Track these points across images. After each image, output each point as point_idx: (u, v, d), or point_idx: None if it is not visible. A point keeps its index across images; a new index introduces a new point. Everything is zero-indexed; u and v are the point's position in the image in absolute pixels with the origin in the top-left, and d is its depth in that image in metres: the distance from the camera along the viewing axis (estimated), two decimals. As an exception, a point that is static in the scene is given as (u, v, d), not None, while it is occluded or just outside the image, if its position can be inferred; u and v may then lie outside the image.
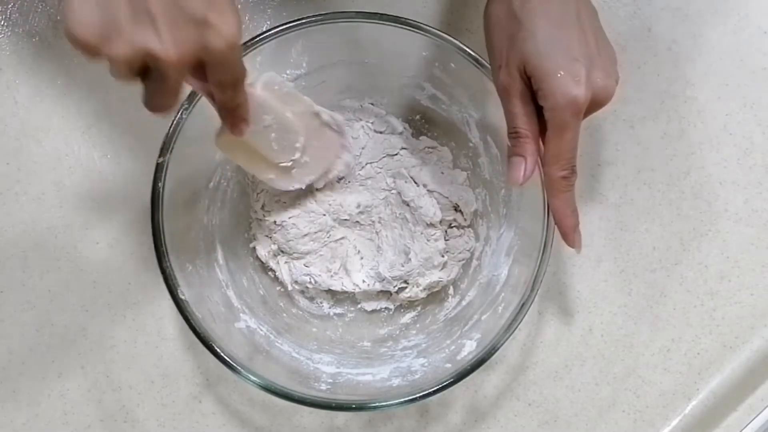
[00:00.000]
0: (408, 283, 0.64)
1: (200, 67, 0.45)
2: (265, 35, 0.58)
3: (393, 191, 0.65)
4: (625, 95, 0.70)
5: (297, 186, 0.62)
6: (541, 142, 0.54)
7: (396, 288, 0.65)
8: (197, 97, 0.57)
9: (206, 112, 0.58)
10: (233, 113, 0.51)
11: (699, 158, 0.69)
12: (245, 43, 0.58)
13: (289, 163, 0.60)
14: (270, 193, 0.64)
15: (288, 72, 0.63)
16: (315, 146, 0.61)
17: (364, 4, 0.70)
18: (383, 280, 0.64)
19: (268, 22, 0.68)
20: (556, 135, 0.52)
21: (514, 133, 0.54)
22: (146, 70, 0.44)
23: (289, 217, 0.64)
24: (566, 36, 0.52)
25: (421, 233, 0.64)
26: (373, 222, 0.65)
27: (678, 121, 0.70)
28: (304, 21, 0.59)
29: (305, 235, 0.64)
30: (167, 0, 0.41)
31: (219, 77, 0.46)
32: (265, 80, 0.56)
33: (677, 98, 0.70)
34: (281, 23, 0.59)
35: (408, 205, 0.64)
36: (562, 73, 0.51)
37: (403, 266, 0.64)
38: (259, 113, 0.55)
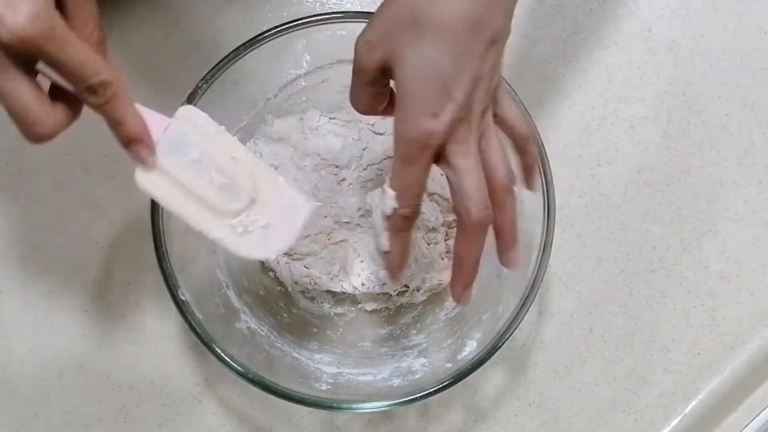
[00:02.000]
0: (408, 287, 0.64)
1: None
2: (265, 35, 0.58)
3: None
4: (625, 95, 0.70)
5: (260, 254, 0.51)
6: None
7: (396, 292, 0.65)
8: (197, 98, 0.57)
9: (206, 112, 0.58)
10: (122, 131, 0.46)
11: (699, 158, 0.69)
12: (245, 43, 0.58)
13: (241, 217, 0.49)
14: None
15: (288, 72, 0.63)
16: (271, 201, 0.50)
17: (364, 3, 0.70)
18: (383, 284, 0.64)
19: (269, 22, 0.68)
20: (401, 168, 0.48)
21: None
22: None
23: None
24: (454, 67, 0.46)
25: (422, 237, 0.64)
26: (374, 225, 0.65)
27: (678, 121, 0.70)
28: (304, 21, 0.59)
29: (306, 236, 0.64)
30: None
31: (62, 75, 0.43)
32: (182, 113, 0.48)
33: (677, 98, 0.70)
34: (281, 23, 0.59)
35: None
36: (419, 102, 0.46)
37: (403, 270, 0.64)
38: (178, 144, 0.47)
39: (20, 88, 0.42)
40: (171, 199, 0.48)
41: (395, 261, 0.51)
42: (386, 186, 0.49)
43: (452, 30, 0.46)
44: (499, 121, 0.52)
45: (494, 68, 0.48)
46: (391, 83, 0.49)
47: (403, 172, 0.48)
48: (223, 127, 0.49)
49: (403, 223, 0.49)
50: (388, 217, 0.49)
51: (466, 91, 0.47)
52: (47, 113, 0.44)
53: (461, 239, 0.50)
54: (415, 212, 0.49)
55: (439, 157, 0.48)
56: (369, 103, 0.51)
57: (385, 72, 0.48)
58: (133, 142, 0.47)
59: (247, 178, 0.49)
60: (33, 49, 0.40)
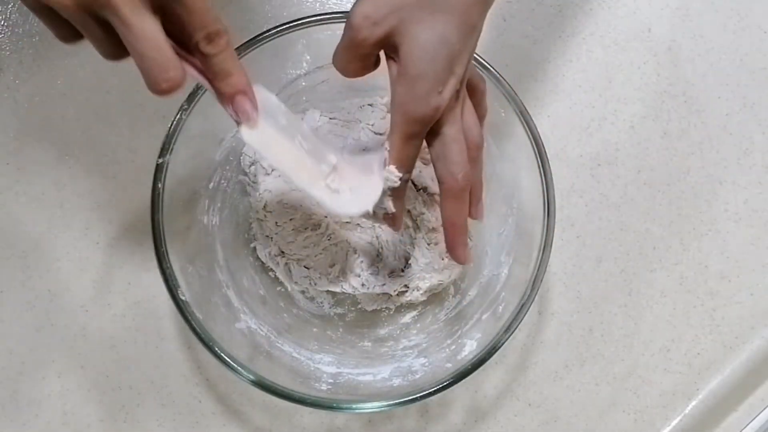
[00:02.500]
0: (408, 287, 0.64)
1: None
2: (265, 35, 0.58)
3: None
4: (625, 95, 0.70)
5: (356, 210, 0.53)
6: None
7: (396, 292, 0.65)
8: (197, 98, 0.57)
9: (206, 111, 0.58)
10: (227, 83, 0.45)
11: (699, 158, 0.69)
12: (245, 43, 0.58)
13: (330, 178, 0.52)
14: (272, 194, 0.64)
15: (288, 72, 0.63)
16: (347, 167, 0.54)
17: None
18: (383, 284, 0.64)
19: (269, 22, 0.68)
20: (402, 142, 0.50)
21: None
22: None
23: (290, 219, 0.64)
24: (462, 44, 0.47)
25: (422, 238, 0.64)
26: (374, 226, 0.65)
27: (678, 121, 0.70)
28: (304, 21, 0.59)
29: (306, 237, 0.64)
30: None
31: (182, 26, 0.42)
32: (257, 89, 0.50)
33: (677, 98, 0.70)
34: (281, 23, 0.59)
35: (409, 211, 0.64)
36: (429, 81, 0.47)
37: (403, 271, 0.64)
38: (268, 109, 0.49)
39: (155, 31, 0.41)
40: (276, 156, 0.49)
41: (397, 216, 0.55)
42: (390, 167, 0.51)
43: (465, 6, 0.46)
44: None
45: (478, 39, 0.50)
46: (381, 55, 0.50)
47: (407, 147, 0.50)
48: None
49: (402, 185, 0.52)
50: (392, 188, 0.52)
51: (464, 65, 0.48)
52: (176, 60, 0.43)
53: (449, 203, 0.52)
54: (410, 173, 0.52)
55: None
56: (358, 71, 0.51)
57: (383, 46, 0.48)
58: (239, 94, 0.46)
59: (323, 147, 0.52)
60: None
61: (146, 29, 0.41)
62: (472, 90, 0.53)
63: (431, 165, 0.65)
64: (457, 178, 0.50)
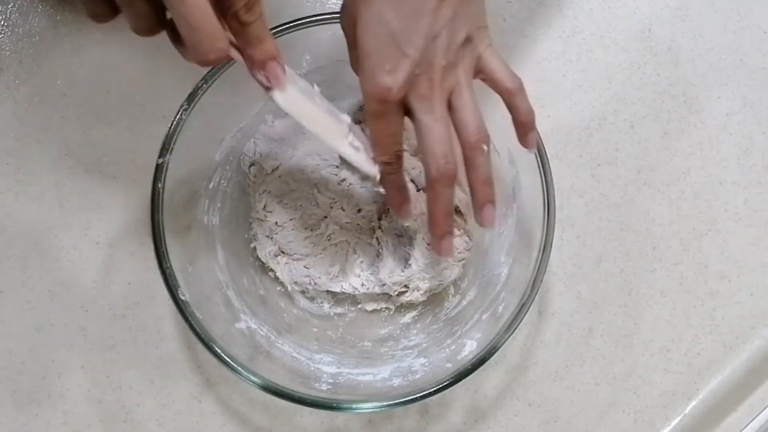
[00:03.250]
0: (408, 288, 0.64)
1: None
2: (265, 35, 0.58)
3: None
4: (625, 95, 0.70)
5: (375, 170, 0.55)
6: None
7: (396, 292, 0.65)
8: (197, 98, 0.57)
9: (206, 111, 0.58)
10: (259, 50, 0.47)
11: (699, 158, 0.69)
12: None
13: (350, 137, 0.55)
14: (272, 194, 0.64)
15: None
16: (359, 131, 0.57)
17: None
18: (383, 285, 0.64)
19: (269, 22, 0.68)
20: (372, 122, 0.51)
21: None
22: None
23: (290, 219, 0.64)
24: (404, 24, 0.48)
25: (422, 238, 0.64)
26: (374, 227, 0.65)
27: (678, 121, 0.70)
28: (304, 21, 0.59)
29: (306, 237, 0.64)
30: None
31: None
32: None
33: (677, 98, 0.70)
34: (281, 23, 0.59)
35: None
36: (374, 58, 0.49)
37: (403, 272, 0.64)
38: (290, 75, 0.51)
39: (205, 2, 0.42)
40: (308, 116, 0.52)
41: (395, 200, 0.56)
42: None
43: None
44: (483, 76, 0.53)
45: (453, 23, 0.50)
46: None
47: (375, 126, 0.51)
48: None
49: (388, 168, 0.53)
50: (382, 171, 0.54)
51: (419, 47, 0.49)
52: (222, 30, 0.44)
53: (429, 193, 0.53)
54: (396, 157, 0.53)
55: (407, 111, 0.51)
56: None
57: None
58: (271, 59, 0.48)
59: (335, 108, 0.55)
60: None
61: (198, 1, 0.42)
62: (499, 90, 0.53)
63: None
64: (431, 168, 0.51)
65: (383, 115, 0.50)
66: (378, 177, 0.55)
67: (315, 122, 0.53)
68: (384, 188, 0.56)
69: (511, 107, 0.54)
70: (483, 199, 0.54)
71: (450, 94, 0.51)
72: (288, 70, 0.51)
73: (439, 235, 0.55)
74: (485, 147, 0.52)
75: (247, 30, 0.46)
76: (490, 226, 0.55)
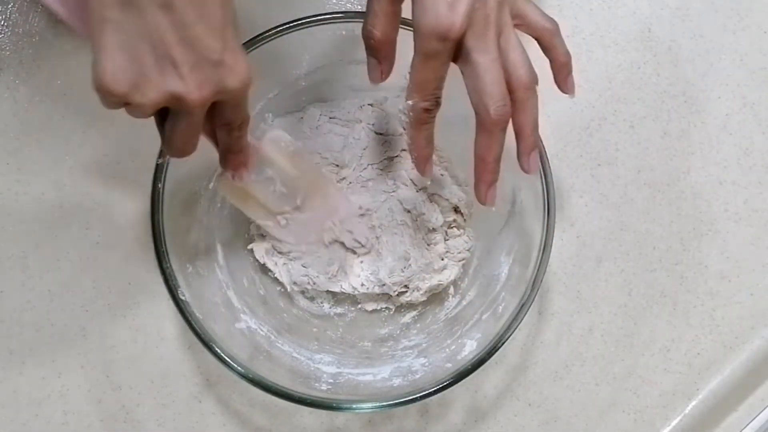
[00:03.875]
0: (408, 288, 0.64)
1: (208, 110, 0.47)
2: (265, 35, 0.58)
3: (393, 194, 0.65)
4: (625, 95, 0.70)
5: (291, 240, 0.63)
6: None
7: (396, 292, 0.65)
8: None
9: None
10: (236, 157, 0.53)
11: (699, 158, 0.69)
12: (245, 43, 0.58)
13: (286, 217, 0.62)
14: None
15: (288, 72, 0.63)
16: (314, 206, 0.62)
17: (364, 3, 0.70)
18: (383, 285, 0.64)
19: (269, 22, 0.68)
20: (421, 62, 0.49)
21: (368, 33, 0.51)
22: (163, 113, 0.47)
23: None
24: None
25: (422, 239, 0.64)
26: (374, 226, 0.65)
27: (678, 121, 0.70)
28: (304, 21, 0.59)
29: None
30: (186, 45, 0.43)
31: (229, 117, 0.49)
32: (272, 136, 0.58)
33: (677, 98, 0.70)
34: (281, 23, 0.59)
35: (409, 212, 0.64)
36: None
37: (403, 272, 0.64)
38: (262, 165, 0.57)
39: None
40: (239, 201, 0.60)
41: (421, 154, 0.54)
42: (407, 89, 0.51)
43: None
44: (519, 21, 0.52)
45: None
46: None
47: (425, 67, 0.49)
48: (300, 143, 0.61)
49: (424, 115, 0.51)
50: (409, 113, 0.51)
51: None
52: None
53: (481, 138, 0.51)
54: (436, 104, 0.51)
55: (458, 54, 0.49)
56: (385, 25, 0.51)
57: None
58: (241, 166, 0.54)
59: (302, 191, 0.61)
60: (246, 94, 0.47)
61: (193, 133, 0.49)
62: (538, 31, 0.53)
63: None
64: (488, 111, 0.49)
65: (438, 55, 0.48)
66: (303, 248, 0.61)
67: (244, 206, 0.60)
68: (413, 139, 0.53)
69: (549, 48, 0.53)
70: (532, 144, 0.52)
71: (499, 35, 0.50)
72: (277, 134, 0.58)
73: (488, 182, 0.52)
74: (537, 89, 0.51)
75: (232, 140, 0.51)
76: (534, 171, 0.53)
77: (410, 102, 0.51)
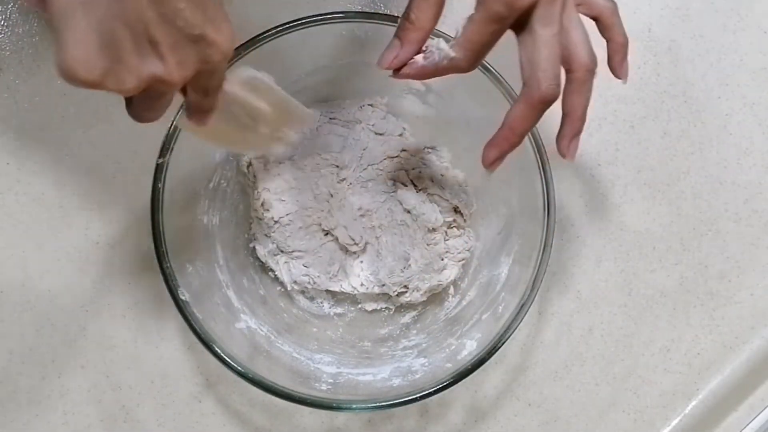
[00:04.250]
0: (408, 288, 0.64)
1: None
2: (265, 35, 0.58)
3: (393, 194, 0.65)
4: (625, 95, 0.70)
5: (288, 152, 0.61)
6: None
7: (396, 292, 0.65)
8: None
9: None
10: (205, 113, 0.49)
11: (699, 158, 0.69)
12: (245, 43, 0.58)
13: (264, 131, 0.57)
14: (271, 192, 0.64)
15: (288, 72, 0.63)
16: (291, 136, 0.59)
17: (364, 3, 0.70)
18: (383, 285, 0.64)
19: (269, 22, 0.68)
20: (482, 23, 0.47)
21: (407, 15, 0.48)
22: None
23: (287, 214, 0.64)
24: None
25: (422, 239, 0.64)
26: (374, 227, 0.65)
27: (678, 121, 0.70)
28: (303, 21, 0.59)
29: (304, 233, 0.64)
30: (166, 22, 0.40)
31: (205, 84, 0.46)
32: (240, 77, 0.53)
33: (677, 98, 0.70)
34: (281, 23, 0.59)
35: (409, 212, 0.64)
36: None
37: (402, 272, 0.64)
38: (229, 106, 0.52)
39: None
40: (203, 135, 0.54)
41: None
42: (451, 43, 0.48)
43: None
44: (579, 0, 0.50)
45: None
46: None
47: (484, 28, 0.47)
48: (268, 76, 0.54)
49: (453, 70, 0.49)
50: (442, 60, 0.48)
51: None
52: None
53: (520, 109, 0.49)
54: (472, 66, 0.48)
55: (518, 23, 0.47)
56: (428, 12, 0.49)
57: None
58: (207, 116, 0.49)
59: (270, 122, 0.56)
60: (226, 62, 0.44)
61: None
62: (597, 10, 0.51)
63: (430, 167, 0.66)
64: (540, 85, 0.47)
65: (502, 20, 0.46)
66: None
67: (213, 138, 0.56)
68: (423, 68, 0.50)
69: (608, 28, 0.52)
70: (579, 128, 0.51)
71: (562, 11, 0.48)
72: (245, 74, 0.52)
73: (501, 147, 0.51)
74: (593, 70, 0.50)
75: (204, 102, 0.47)
76: (573, 159, 0.52)
77: (453, 54, 0.48)
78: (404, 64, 0.49)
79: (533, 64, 0.48)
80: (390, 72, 0.50)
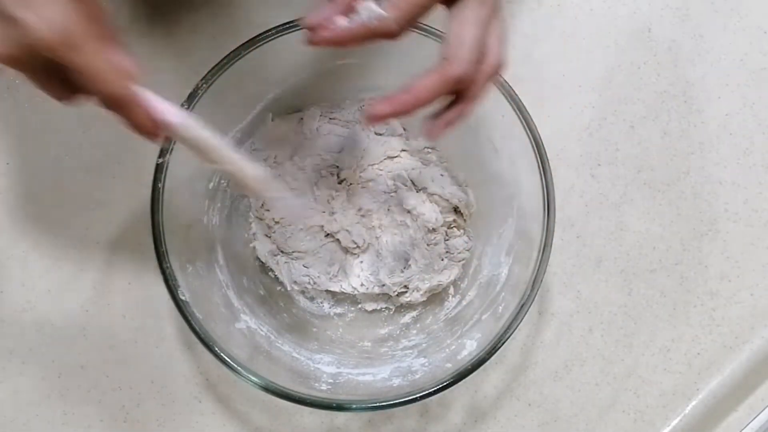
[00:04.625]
0: (408, 288, 0.64)
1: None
2: (265, 35, 0.58)
3: (393, 195, 0.65)
4: (625, 95, 0.70)
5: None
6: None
7: (396, 293, 0.65)
8: (197, 98, 0.57)
9: (206, 112, 0.58)
10: (61, 99, 0.46)
11: (699, 158, 0.69)
12: (245, 43, 0.58)
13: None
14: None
15: (288, 72, 0.63)
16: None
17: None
18: (383, 285, 0.64)
19: (269, 22, 0.68)
20: None
21: None
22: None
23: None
24: None
25: (422, 239, 0.64)
26: (374, 227, 0.65)
27: (678, 121, 0.70)
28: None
29: (304, 234, 0.64)
30: None
31: (76, 82, 0.43)
32: (185, 134, 0.49)
33: (677, 98, 0.70)
34: (281, 23, 0.59)
35: (409, 212, 0.64)
36: None
37: (402, 272, 0.64)
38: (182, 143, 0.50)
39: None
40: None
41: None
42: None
43: None
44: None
45: None
46: None
47: None
48: (220, 137, 0.50)
49: (381, 34, 0.46)
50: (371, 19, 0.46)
51: None
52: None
53: (429, 79, 0.47)
54: (403, 28, 0.46)
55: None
56: None
57: None
58: (148, 135, 0.47)
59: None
60: (72, 55, 0.41)
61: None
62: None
63: (430, 167, 0.66)
64: (462, 64, 0.46)
65: None
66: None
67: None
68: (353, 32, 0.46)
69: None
70: (455, 119, 0.49)
71: (495, 8, 0.47)
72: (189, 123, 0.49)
73: (394, 108, 0.47)
74: (500, 76, 0.48)
75: (109, 105, 0.46)
76: (432, 140, 0.50)
77: (384, 14, 0.45)
78: (324, 26, 0.46)
79: (460, 40, 0.46)
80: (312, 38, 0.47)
